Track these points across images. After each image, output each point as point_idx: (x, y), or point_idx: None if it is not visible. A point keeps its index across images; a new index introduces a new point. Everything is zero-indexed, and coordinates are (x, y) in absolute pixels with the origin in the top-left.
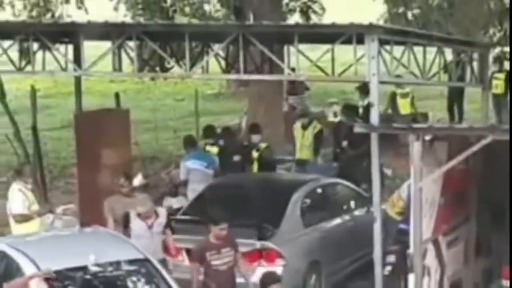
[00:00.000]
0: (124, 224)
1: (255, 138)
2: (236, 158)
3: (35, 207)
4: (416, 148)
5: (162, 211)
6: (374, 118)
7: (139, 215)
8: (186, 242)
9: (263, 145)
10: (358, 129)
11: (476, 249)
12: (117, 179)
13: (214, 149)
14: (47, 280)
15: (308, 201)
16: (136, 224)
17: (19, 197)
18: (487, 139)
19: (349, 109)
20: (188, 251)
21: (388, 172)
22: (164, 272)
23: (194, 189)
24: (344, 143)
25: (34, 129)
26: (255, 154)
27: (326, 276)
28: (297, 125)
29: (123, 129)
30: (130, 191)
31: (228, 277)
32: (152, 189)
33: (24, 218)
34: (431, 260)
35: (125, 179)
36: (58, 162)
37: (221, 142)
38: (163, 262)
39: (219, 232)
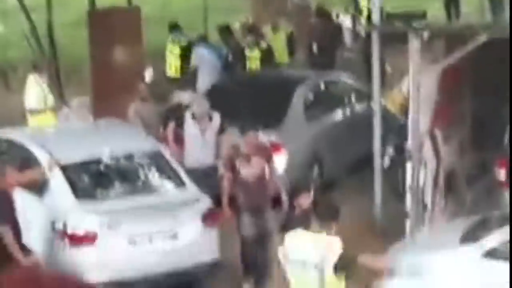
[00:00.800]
0: (179, 123)
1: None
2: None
3: (50, 100)
4: (414, 45)
5: (216, 116)
6: (376, 17)
7: (193, 116)
8: None
9: (264, 45)
10: (359, 28)
11: (471, 143)
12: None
13: None
14: (62, 168)
15: (311, 95)
16: (190, 126)
17: (35, 91)
18: (483, 36)
19: (322, 12)
20: None
21: (388, 69)
22: (175, 164)
23: (203, 81)
24: (314, 47)
25: (49, 25)
26: (257, 53)
27: (328, 167)
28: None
29: (135, 26)
30: (147, 96)
31: (257, 188)
32: (162, 84)
33: (39, 111)
34: (427, 152)
35: (143, 85)
36: (72, 59)
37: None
38: (214, 169)
39: (248, 140)
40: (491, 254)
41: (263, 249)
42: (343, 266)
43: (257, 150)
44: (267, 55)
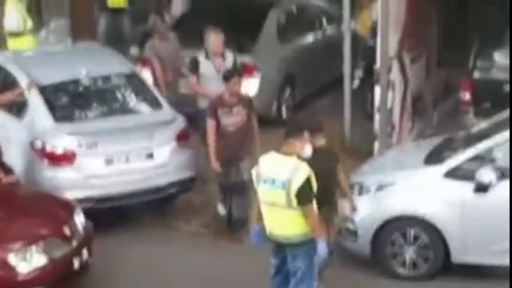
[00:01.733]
0: (193, 69)
1: None
2: None
3: (29, 24)
4: None
5: (230, 55)
6: None
7: (207, 56)
8: None
9: None
10: None
11: (437, 64)
12: (152, 20)
13: None
14: (41, 89)
15: (283, 18)
16: (205, 66)
17: (14, 14)
18: None
19: None
20: None
21: None
22: (150, 86)
23: (177, 2)
24: None
25: None
26: None
27: (300, 88)
28: None
29: None
30: (166, 32)
31: (237, 138)
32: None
33: (19, 35)
34: (395, 74)
35: (161, 20)
36: None
37: None
38: None
39: (232, 87)
40: (452, 174)
41: (239, 198)
42: (300, 196)
43: (239, 99)
44: None
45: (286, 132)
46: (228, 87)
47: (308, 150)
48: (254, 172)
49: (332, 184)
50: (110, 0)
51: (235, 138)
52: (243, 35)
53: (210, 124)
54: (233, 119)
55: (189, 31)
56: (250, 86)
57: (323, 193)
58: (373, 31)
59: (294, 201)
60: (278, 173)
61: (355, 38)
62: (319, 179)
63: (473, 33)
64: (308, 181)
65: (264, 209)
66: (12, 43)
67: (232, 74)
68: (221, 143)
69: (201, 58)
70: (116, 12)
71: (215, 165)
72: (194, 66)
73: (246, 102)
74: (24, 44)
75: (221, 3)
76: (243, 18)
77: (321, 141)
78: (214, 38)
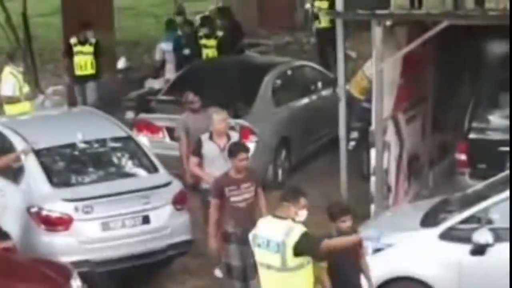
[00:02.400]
0: (196, 151)
1: (203, 31)
2: (186, 51)
3: (26, 89)
4: (377, 32)
5: (235, 135)
6: (339, 4)
7: (210, 137)
8: (166, 121)
9: (220, 33)
10: (324, 15)
11: (432, 126)
12: (185, 96)
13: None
14: (37, 154)
15: (279, 82)
16: (208, 147)
17: (11, 80)
18: (443, 23)
19: None
20: (168, 129)
21: (352, 54)
22: (145, 148)
23: (170, 69)
24: None
25: (24, 15)
26: (213, 42)
27: (295, 151)
28: None
29: (107, 14)
30: (199, 107)
31: (247, 214)
32: (134, 72)
33: (15, 100)
34: (391, 136)
35: (194, 94)
36: (48, 46)
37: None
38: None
39: (239, 163)
40: (448, 235)
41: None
42: (301, 249)
43: (246, 175)
44: (223, 44)
45: (282, 195)
46: (234, 163)
47: (303, 215)
48: (251, 235)
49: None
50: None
51: (247, 214)
52: (239, 98)
53: (214, 203)
54: (242, 196)
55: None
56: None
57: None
58: (366, 91)
59: (291, 263)
60: (273, 235)
61: (350, 100)
62: (341, 266)
63: (469, 95)
64: (305, 235)
65: (260, 272)
66: (9, 109)
67: (239, 149)
68: (232, 222)
69: (204, 138)
70: (84, 79)
71: (214, 246)
72: (197, 147)
73: (253, 176)
74: (21, 110)
75: (216, 66)
76: (238, 82)
77: (348, 223)
78: (217, 118)
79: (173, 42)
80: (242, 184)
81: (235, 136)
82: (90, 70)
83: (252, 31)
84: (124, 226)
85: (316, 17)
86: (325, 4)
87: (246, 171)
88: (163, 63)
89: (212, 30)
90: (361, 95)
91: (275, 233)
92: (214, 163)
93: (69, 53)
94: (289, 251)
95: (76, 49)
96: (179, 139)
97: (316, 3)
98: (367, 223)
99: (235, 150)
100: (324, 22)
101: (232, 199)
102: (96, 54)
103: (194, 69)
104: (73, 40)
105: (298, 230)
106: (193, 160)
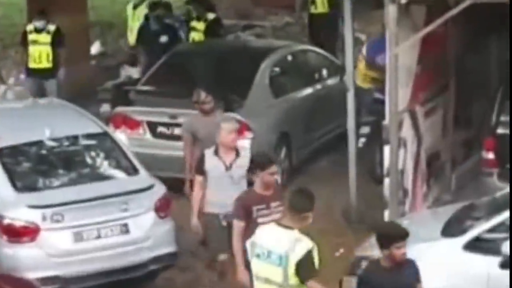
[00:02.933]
0: (199, 169)
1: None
2: (164, 39)
3: None
4: (391, 12)
5: (246, 151)
6: None
7: (216, 152)
8: (146, 115)
9: (211, 16)
10: None
11: (455, 120)
12: (196, 95)
13: None
14: None
15: (277, 69)
16: (212, 164)
17: None
18: (466, 1)
19: None
20: (149, 124)
21: (362, 37)
22: (124, 146)
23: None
24: None
25: None
26: (201, 25)
27: (297, 149)
28: None
29: None
30: (212, 108)
31: None
32: (110, 57)
33: None
34: (407, 131)
35: (206, 94)
36: (10, 29)
37: None
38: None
39: (269, 177)
40: (474, 246)
41: None
42: (301, 270)
43: (275, 191)
44: (213, 27)
45: (301, 206)
46: (262, 177)
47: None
48: (248, 243)
49: None
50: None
51: None
52: (231, 89)
53: (238, 227)
54: (272, 217)
55: (166, 86)
56: (240, 148)
57: None
58: (368, 78)
59: (293, 279)
60: (275, 246)
61: (360, 91)
62: None
63: (497, 83)
64: (310, 254)
65: (257, 286)
66: None
67: (267, 160)
68: None
69: (208, 153)
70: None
71: (241, 269)
72: (200, 164)
73: (281, 193)
74: None
75: (204, 51)
76: (231, 69)
77: (403, 250)
78: (224, 128)
79: (138, 30)
80: (272, 202)
81: (246, 151)
82: (45, 63)
83: (246, 11)
84: (99, 237)
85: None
86: None
87: (275, 187)
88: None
89: (202, 11)
90: (365, 83)
91: (279, 244)
92: (219, 184)
93: (24, 41)
94: (292, 267)
95: (31, 37)
96: (184, 141)
97: None
98: None
99: (263, 162)
100: (321, 7)
101: (261, 220)
102: (54, 44)
103: (179, 55)
104: (29, 27)
105: (305, 245)
106: (198, 179)
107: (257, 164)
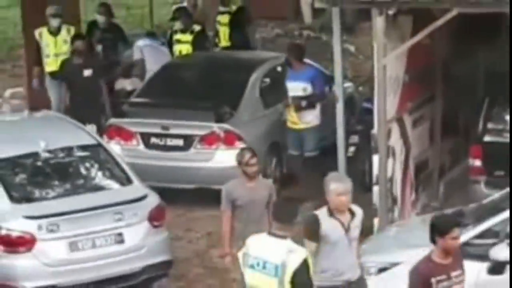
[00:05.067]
0: (313, 235)
1: (178, 25)
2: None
3: None
4: (379, 23)
5: (358, 210)
6: None
7: (330, 213)
8: (140, 126)
9: (197, 28)
10: (318, 4)
11: (442, 128)
12: (239, 155)
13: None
14: None
15: (267, 80)
16: (330, 226)
17: None
18: (452, 12)
19: None
20: (142, 135)
21: (351, 48)
22: (118, 158)
23: (150, 70)
24: None
25: None
26: (188, 37)
27: (287, 158)
28: None
29: (73, 6)
30: (256, 172)
31: None
32: None
33: None
34: (395, 140)
35: (251, 155)
36: (5, 43)
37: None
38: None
39: (452, 242)
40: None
41: None
42: (297, 280)
43: (457, 257)
44: (200, 39)
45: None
46: (443, 243)
47: None
48: (240, 254)
49: None
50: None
51: None
52: (222, 99)
53: None
54: None
55: (159, 98)
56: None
57: None
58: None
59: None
60: (270, 256)
61: (349, 100)
62: None
63: (483, 92)
64: (305, 263)
65: None
66: None
67: (451, 222)
68: None
69: (322, 215)
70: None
71: None
72: (314, 229)
73: (462, 258)
74: None
75: (196, 63)
76: (222, 81)
77: (458, 240)
78: (336, 188)
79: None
80: (452, 271)
81: (358, 211)
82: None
83: None
84: (94, 246)
85: None
86: None
87: (454, 254)
88: (142, 62)
89: (188, 24)
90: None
91: (273, 254)
92: (336, 249)
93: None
94: (288, 276)
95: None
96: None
97: None
98: (371, 239)
99: (445, 224)
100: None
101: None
102: None
103: (171, 67)
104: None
105: (300, 254)
106: (312, 246)
107: (437, 228)
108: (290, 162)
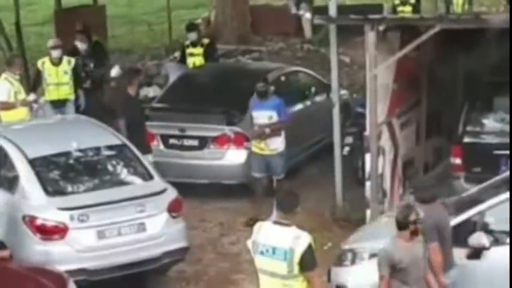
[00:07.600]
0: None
1: (192, 36)
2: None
3: (22, 95)
4: (370, 37)
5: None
6: (332, 10)
7: None
8: (160, 128)
9: (206, 41)
10: (317, 20)
11: (427, 130)
12: (404, 213)
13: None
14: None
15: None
16: None
17: (5, 86)
18: (435, 28)
19: None
20: (162, 136)
21: (346, 59)
22: (141, 157)
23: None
24: None
25: (17, 24)
26: (199, 50)
27: (289, 157)
28: None
29: (100, 23)
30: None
31: None
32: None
33: (9, 106)
34: (385, 141)
35: (416, 212)
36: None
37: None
38: None
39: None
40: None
41: None
42: (305, 261)
43: None
44: (209, 50)
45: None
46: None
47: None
48: (249, 242)
49: None
50: None
51: None
52: (232, 105)
53: None
54: None
55: (177, 103)
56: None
57: None
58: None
59: (296, 268)
60: (279, 243)
61: (344, 106)
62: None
63: (463, 98)
64: (310, 246)
65: (262, 279)
66: (4, 115)
67: None
68: None
69: None
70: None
71: None
72: None
73: None
74: (16, 116)
75: (209, 73)
76: (232, 88)
77: None
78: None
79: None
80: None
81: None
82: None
83: (245, 38)
84: (119, 234)
85: None
86: (408, 8)
87: None
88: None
89: (198, 38)
90: None
91: (282, 240)
92: None
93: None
94: (297, 258)
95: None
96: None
97: (400, 8)
98: (364, 228)
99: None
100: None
101: None
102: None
103: (186, 77)
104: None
105: (306, 239)
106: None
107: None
108: (254, 184)
